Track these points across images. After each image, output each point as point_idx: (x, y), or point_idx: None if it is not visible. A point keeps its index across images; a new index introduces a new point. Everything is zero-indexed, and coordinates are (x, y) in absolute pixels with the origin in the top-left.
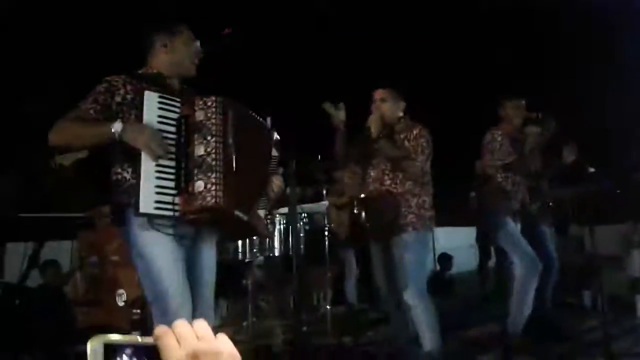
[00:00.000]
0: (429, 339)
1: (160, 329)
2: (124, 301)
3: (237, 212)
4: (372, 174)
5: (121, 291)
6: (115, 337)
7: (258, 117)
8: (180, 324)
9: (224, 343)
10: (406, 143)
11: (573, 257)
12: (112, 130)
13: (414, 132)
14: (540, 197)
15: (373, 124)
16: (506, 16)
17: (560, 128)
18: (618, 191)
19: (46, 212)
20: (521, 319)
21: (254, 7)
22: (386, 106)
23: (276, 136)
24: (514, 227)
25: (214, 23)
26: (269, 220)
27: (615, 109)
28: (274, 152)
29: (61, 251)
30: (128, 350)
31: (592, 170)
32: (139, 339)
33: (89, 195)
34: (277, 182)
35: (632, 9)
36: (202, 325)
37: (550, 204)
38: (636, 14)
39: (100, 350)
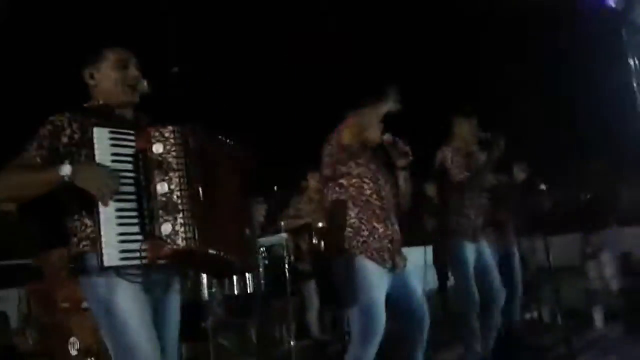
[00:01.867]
0: None
1: None
2: (76, 349)
3: (211, 251)
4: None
5: (73, 339)
6: None
7: (225, 140)
8: None
9: None
10: None
11: (528, 271)
12: (61, 174)
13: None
14: (490, 215)
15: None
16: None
17: (509, 147)
18: (588, 196)
19: None
20: (471, 346)
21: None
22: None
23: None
24: (466, 252)
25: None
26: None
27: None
28: (244, 171)
29: (7, 300)
30: None
31: (543, 186)
32: None
33: (34, 240)
34: (259, 212)
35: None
36: None
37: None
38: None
39: None
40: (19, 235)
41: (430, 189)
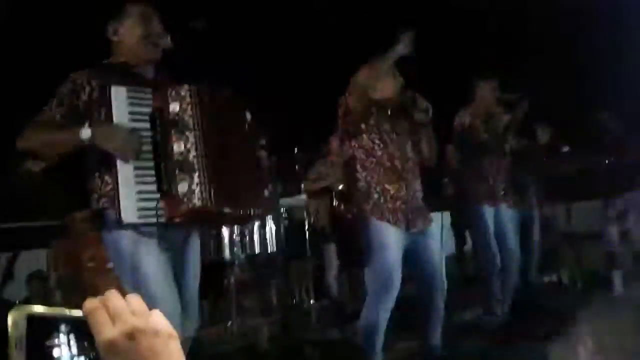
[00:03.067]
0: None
1: (90, 303)
2: None
3: (226, 209)
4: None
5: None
6: (39, 308)
7: (231, 96)
8: (113, 298)
9: (160, 321)
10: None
11: (549, 235)
12: (81, 138)
13: (430, 111)
14: (512, 178)
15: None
16: None
17: (533, 108)
18: (607, 161)
19: (19, 221)
20: (491, 305)
21: None
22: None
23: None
24: (486, 215)
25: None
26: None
27: (589, 88)
28: (248, 117)
29: (38, 261)
30: (54, 323)
31: (566, 149)
32: (67, 311)
33: (61, 201)
34: (262, 154)
35: None
36: (136, 300)
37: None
38: None
39: (23, 323)
40: (44, 196)
41: (451, 152)
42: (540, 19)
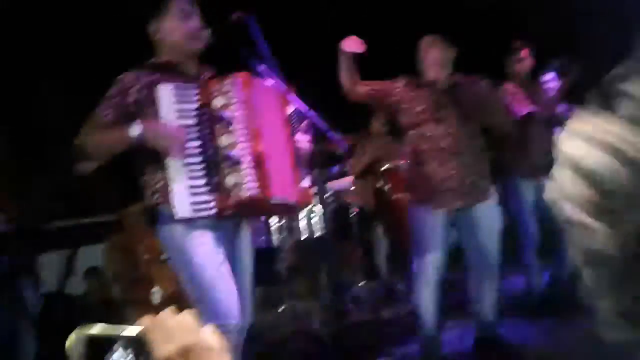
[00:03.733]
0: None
1: (147, 321)
2: (159, 299)
3: (274, 199)
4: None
5: (156, 289)
6: (97, 328)
7: (273, 82)
8: (168, 316)
9: (210, 336)
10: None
11: None
12: (131, 136)
13: (482, 83)
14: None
15: (432, 71)
16: None
17: (585, 73)
18: None
19: (76, 218)
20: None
21: None
22: (435, 52)
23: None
24: (527, 190)
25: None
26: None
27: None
28: (291, 109)
29: (95, 257)
30: (113, 341)
31: None
32: (123, 330)
33: (115, 196)
34: (303, 140)
35: None
36: (189, 317)
37: None
38: None
39: (83, 344)
40: (101, 192)
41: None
42: None
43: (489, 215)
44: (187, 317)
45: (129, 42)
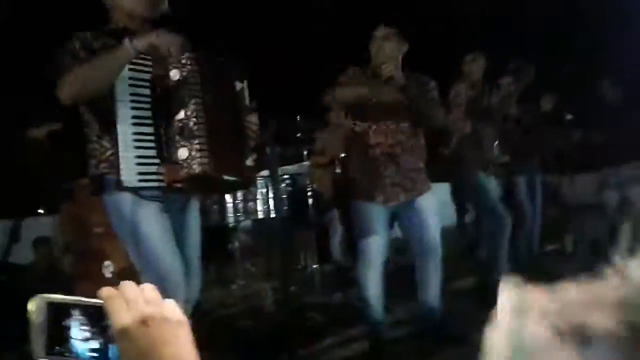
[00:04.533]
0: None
1: (107, 291)
2: (111, 272)
3: (225, 176)
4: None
5: (107, 263)
6: (58, 297)
7: (229, 64)
8: (128, 287)
9: (172, 309)
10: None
11: (551, 206)
12: (127, 47)
13: (432, 83)
14: (514, 146)
15: (389, 65)
16: None
17: (537, 76)
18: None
19: (25, 187)
20: (498, 270)
21: None
22: (391, 47)
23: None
24: (486, 181)
25: None
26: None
27: (594, 56)
28: (239, 86)
29: (44, 227)
30: (72, 311)
31: (569, 117)
32: (84, 299)
33: (66, 167)
34: (253, 121)
35: None
36: (150, 290)
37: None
38: None
39: (44, 309)
40: (49, 162)
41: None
42: None
43: (429, 206)
44: (148, 289)
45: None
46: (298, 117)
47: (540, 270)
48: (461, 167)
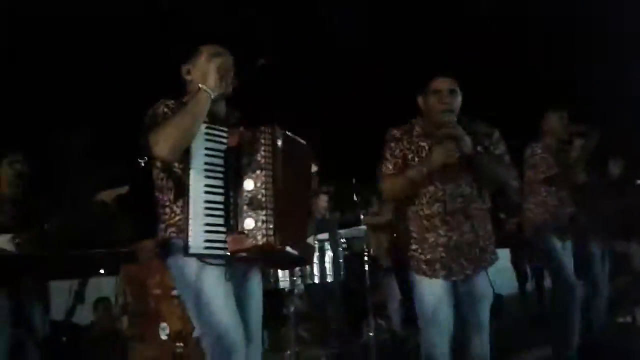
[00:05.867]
0: None
1: None
2: (166, 334)
3: (288, 249)
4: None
5: (164, 325)
6: None
7: (301, 140)
8: None
9: None
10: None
11: (621, 274)
12: (205, 90)
13: (495, 135)
14: (587, 212)
15: (452, 119)
16: (544, 24)
17: (605, 140)
18: None
19: (90, 248)
20: (570, 342)
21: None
22: (457, 100)
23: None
24: (558, 247)
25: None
26: (316, 244)
27: None
28: (314, 168)
29: (107, 288)
30: None
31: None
32: None
33: (130, 229)
34: (321, 203)
35: None
36: None
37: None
38: None
39: None
40: (117, 225)
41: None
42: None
43: (482, 283)
44: None
45: (158, 83)
46: (354, 180)
47: (612, 343)
48: (532, 230)
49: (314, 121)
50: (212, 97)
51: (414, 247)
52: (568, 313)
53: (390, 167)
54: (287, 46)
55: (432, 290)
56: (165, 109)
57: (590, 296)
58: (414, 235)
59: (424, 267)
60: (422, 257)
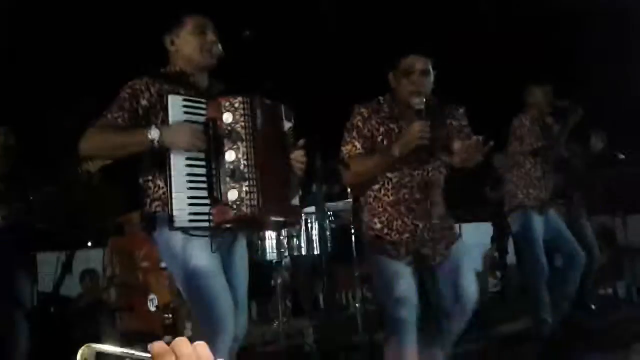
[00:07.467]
0: None
1: (158, 346)
2: (155, 306)
3: (272, 218)
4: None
5: (152, 296)
6: (107, 347)
7: (278, 106)
8: (181, 343)
9: None
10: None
11: (604, 248)
12: (150, 138)
13: (460, 110)
14: (574, 185)
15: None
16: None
17: (587, 115)
18: None
19: (76, 221)
20: (541, 317)
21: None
22: (429, 81)
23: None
24: (535, 222)
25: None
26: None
27: None
28: (287, 125)
29: (94, 259)
30: None
31: (622, 156)
32: (134, 352)
33: (117, 201)
34: (299, 159)
35: None
36: (203, 347)
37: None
38: None
39: (92, 358)
40: (101, 196)
41: (498, 160)
42: (592, 23)
43: (462, 265)
44: (200, 347)
45: (137, 49)
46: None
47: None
48: (511, 205)
49: (295, 91)
50: (149, 145)
51: (377, 227)
52: (537, 289)
53: (359, 146)
54: (265, 16)
55: (394, 268)
56: (130, 92)
57: (586, 262)
58: (377, 222)
59: (389, 247)
60: (388, 237)
